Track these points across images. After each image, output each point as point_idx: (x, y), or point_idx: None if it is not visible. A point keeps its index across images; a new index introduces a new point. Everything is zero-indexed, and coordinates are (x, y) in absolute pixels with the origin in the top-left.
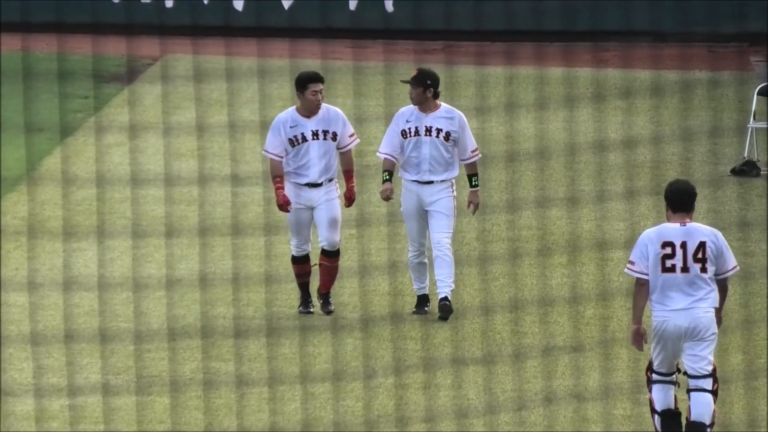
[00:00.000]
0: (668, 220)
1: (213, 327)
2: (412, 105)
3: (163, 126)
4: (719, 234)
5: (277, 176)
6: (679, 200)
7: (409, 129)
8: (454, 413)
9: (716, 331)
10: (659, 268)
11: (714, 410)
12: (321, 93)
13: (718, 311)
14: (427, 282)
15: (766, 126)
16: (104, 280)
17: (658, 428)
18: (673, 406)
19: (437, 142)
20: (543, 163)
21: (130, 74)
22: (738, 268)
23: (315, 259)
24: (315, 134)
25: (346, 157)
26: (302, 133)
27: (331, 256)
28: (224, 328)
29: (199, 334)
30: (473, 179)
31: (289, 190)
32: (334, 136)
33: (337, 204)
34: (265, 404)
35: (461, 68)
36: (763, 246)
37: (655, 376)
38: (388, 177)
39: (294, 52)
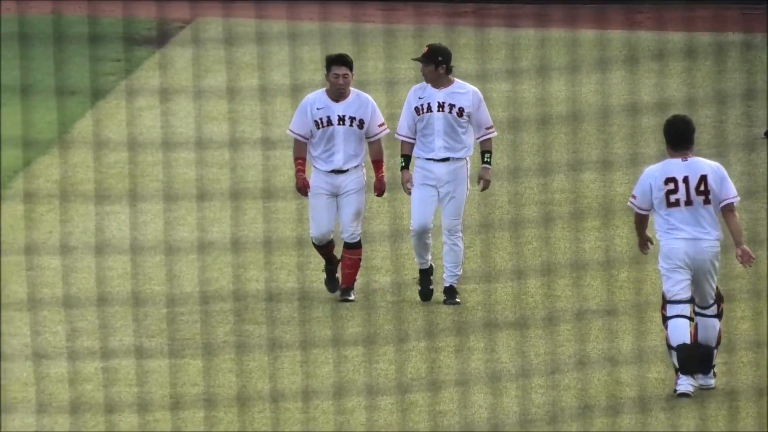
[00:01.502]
0: (669, 156)
1: (246, 290)
2: (424, 82)
3: (195, 89)
4: (720, 166)
5: (299, 158)
6: (679, 137)
7: (422, 105)
8: (487, 376)
9: (718, 261)
10: (664, 203)
11: (719, 332)
12: (344, 77)
13: (738, 234)
14: (429, 257)
15: None
16: (137, 243)
17: (675, 363)
18: (688, 341)
19: (450, 118)
20: (576, 126)
21: (162, 37)
22: (738, 198)
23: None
24: (341, 119)
25: (374, 147)
26: (328, 116)
27: (352, 248)
28: (257, 291)
29: (232, 298)
30: (486, 155)
31: (315, 175)
32: (361, 124)
33: (362, 195)
34: (298, 367)
35: (492, 31)
36: None
37: (670, 311)
38: (404, 164)
39: (324, 15)
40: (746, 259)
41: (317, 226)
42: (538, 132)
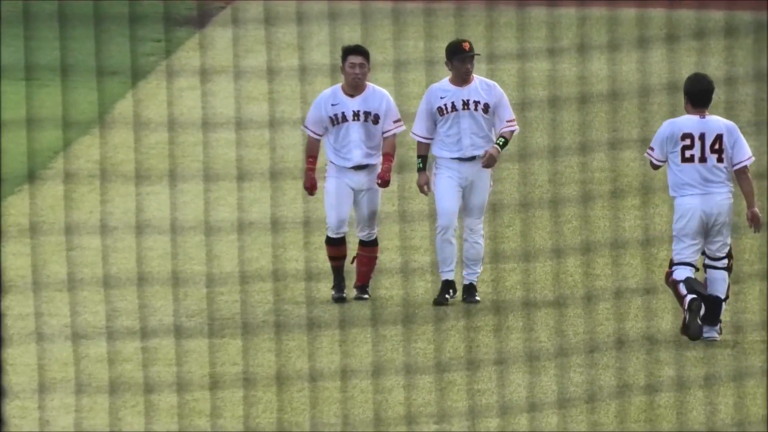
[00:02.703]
0: (687, 113)
1: (285, 270)
2: (443, 81)
3: (235, 69)
4: (735, 127)
5: (310, 156)
6: (700, 95)
7: (446, 105)
8: (525, 355)
9: (732, 214)
10: (679, 158)
11: (728, 285)
12: (361, 67)
13: (750, 196)
14: (453, 265)
15: None
16: (177, 224)
17: (683, 291)
18: (693, 276)
19: (477, 116)
20: (616, 105)
21: (202, 17)
22: (753, 158)
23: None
24: (356, 115)
25: (388, 142)
26: (343, 112)
27: (368, 245)
28: (296, 271)
29: (271, 277)
30: (500, 139)
31: (333, 170)
32: (376, 119)
33: (379, 193)
34: (336, 346)
35: (533, 10)
36: None
37: (675, 268)
38: (422, 165)
39: None
40: (755, 222)
41: (336, 212)
42: (578, 111)
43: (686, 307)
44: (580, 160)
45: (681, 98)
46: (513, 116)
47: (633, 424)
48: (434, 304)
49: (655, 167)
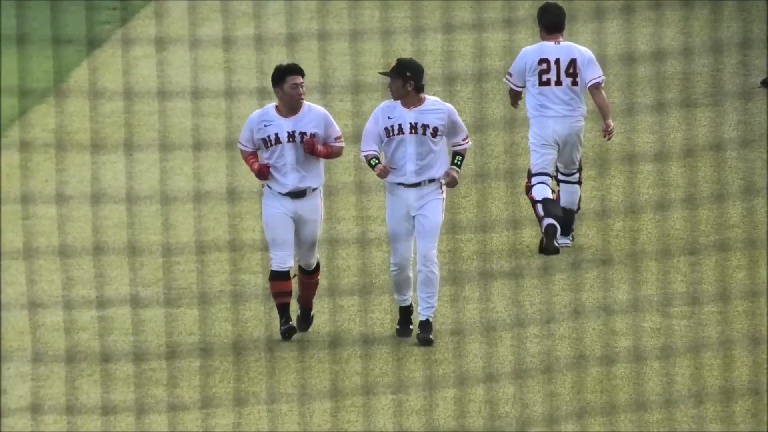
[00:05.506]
0: (542, 39)
1: (241, 240)
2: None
3: (191, 38)
4: (588, 50)
5: (248, 156)
6: (553, 22)
7: (392, 126)
8: (482, 326)
9: (583, 134)
10: (537, 81)
11: (580, 197)
12: (302, 86)
13: (604, 109)
14: (410, 293)
15: None
16: (133, 193)
17: (541, 213)
18: (550, 196)
19: (425, 140)
20: None
21: None
22: (604, 78)
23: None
24: (291, 136)
25: (333, 149)
26: (276, 134)
27: (309, 273)
28: (252, 241)
29: (228, 247)
30: (457, 158)
31: (270, 198)
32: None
33: (319, 222)
34: (294, 315)
35: None
36: None
37: (534, 180)
38: (377, 161)
39: None
40: (609, 133)
41: (276, 248)
42: None
43: (543, 231)
44: None
45: (638, 69)
46: (466, 133)
47: (589, 394)
48: (397, 335)
49: (514, 94)
